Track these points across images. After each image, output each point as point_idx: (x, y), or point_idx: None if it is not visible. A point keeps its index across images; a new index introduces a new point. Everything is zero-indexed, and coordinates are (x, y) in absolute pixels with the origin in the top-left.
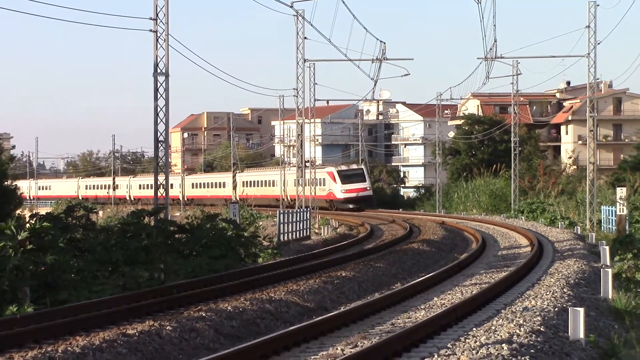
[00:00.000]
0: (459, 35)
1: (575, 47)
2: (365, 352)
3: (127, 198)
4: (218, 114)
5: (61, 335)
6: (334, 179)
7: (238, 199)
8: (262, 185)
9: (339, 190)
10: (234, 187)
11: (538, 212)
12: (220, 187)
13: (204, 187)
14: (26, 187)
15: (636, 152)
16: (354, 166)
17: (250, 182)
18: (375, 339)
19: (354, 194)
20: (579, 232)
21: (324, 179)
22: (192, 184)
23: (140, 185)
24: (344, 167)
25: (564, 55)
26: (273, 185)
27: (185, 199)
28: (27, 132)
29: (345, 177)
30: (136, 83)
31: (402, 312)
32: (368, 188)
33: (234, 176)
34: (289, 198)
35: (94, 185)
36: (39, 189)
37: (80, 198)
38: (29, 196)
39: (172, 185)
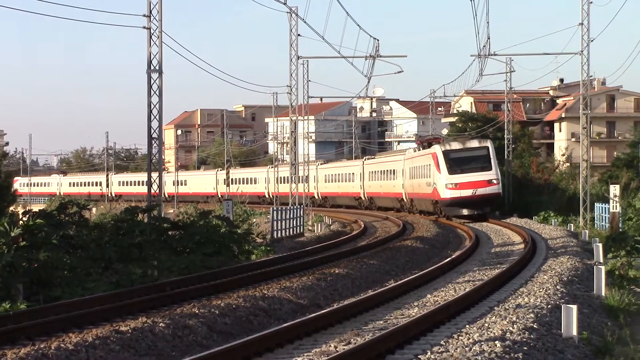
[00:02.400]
0: (453, 32)
1: (568, 45)
2: (358, 349)
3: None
4: (212, 111)
5: (54, 332)
6: (437, 165)
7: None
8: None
9: (443, 184)
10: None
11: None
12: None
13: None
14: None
15: (629, 149)
16: (473, 143)
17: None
18: (368, 336)
19: (468, 191)
20: (572, 230)
21: (428, 165)
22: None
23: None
24: (454, 145)
25: (558, 53)
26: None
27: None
28: (20, 129)
29: (456, 162)
30: (130, 80)
31: (396, 309)
32: (495, 181)
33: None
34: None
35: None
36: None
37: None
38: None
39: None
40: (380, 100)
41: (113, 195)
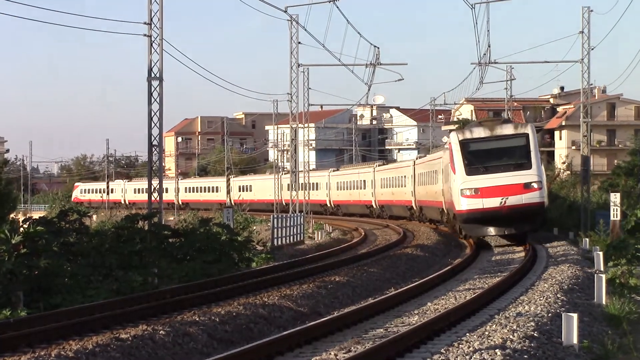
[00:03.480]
0: (453, 40)
1: (569, 53)
2: (358, 357)
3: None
4: (212, 118)
5: (54, 340)
6: (452, 162)
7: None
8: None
9: (458, 189)
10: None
11: None
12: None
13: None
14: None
15: (630, 157)
16: (506, 129)
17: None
18: (368, 344)
19: (494, 201)
20: (572, 237)
21: (440, 163)
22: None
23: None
24: (477, 132)
25: (558, 61)
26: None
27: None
28: (21, 136)
29: (478, 157)
30: (130, 87)
31: (396, 317)
32: (536, 184)
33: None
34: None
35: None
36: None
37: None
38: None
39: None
40: (381, 108)
41: (180, 203)
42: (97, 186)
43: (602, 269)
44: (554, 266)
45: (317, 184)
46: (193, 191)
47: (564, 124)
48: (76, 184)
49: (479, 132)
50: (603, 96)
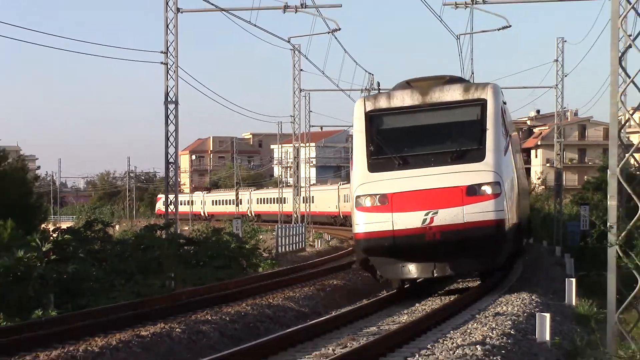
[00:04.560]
0: (441, 67)
1: (545, 79)
2: (354, 352)
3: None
4: (222, 138)
5: (82, 337)
6: (351, 152)
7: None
8: None
9: (354, 201)
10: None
11: None
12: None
13: None
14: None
15: (599, 173)
16: (446, 93)
17: None
18: (363, 340)
19: (416, 218)
20: (546, 246)
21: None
22: None
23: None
24: (398, 98)
25: (535, 87)
26: None
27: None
28: (50, 154)
29: (393, 140)
30: (149, 110)
31: (388, 316)
32: (488, 188)
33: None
34: None
35: None
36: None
37: None
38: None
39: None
40: None
41: (206, 215)
42: (185, 198)
43: (572, 273)
44: (530, 271)
45: (328, 198)
46: (217, 204)
47: (539, 143)
48: (159, 195)
49: (402, 99)
50: (575, 118)
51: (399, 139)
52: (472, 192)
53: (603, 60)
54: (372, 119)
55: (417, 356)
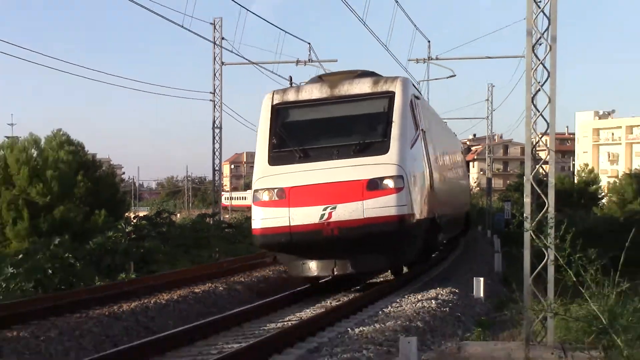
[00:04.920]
0: None
1: (479, 112)
2: (323, 315)
3: None
4: (253, 152)
5: (153, 293)
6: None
7: None
8: None
9: (254, 191)
10: None
11: None
12: None
13: None
14: None
15: (517, 179)
16: (354, 86)
17: None
18: (334, 303)
19: (314, 213)
20: (480, 230)
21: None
22: None
23: None
24: (307, 91)
25: (472, 118)
26: None
27: None
28: (132, 162)
29: (297, 132)
30: (200, 133)
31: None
32: (392, 184)
33: None
34: None
35: None
36: None
37: None
38: None
39: None
40: None
41: None
42: (241, 194)
43: (499, 249)
44: (470, 246)
45: None
46: None
47: (475, 157)
48: (222, 193)
49: (310, 92)
50: (501, 140)
51: (302, 132)
52: (373, 186)
53: (520, 99)
54: (279, 112)
55: (389, 308)
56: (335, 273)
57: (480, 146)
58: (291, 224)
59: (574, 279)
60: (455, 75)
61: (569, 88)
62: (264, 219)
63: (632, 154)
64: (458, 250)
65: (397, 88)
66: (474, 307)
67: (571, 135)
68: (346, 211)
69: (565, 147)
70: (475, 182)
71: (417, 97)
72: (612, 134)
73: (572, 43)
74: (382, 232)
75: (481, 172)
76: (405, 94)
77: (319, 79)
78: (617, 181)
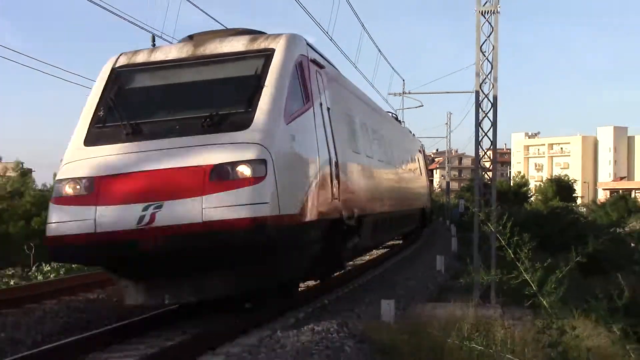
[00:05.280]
0: None
1: (440, 132)
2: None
3: None
4: None
5: None
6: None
7: None
8: None
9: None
10: None
11: None
12: None
13: None
14: None
15: (469, 182)
16: (226, 44)
17: None
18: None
19: (131, 213)
20: (441, 221)
21: None
22: None
23: None
24: (160, 52)
25: (435, 137)
26: None
27: None
28: None
29: (130, 103)
30: None
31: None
32: (248, 171)
33: None
34: None
35: None
36: None
37: None
38: None
39: None
40: None
41: None
42: None
43: (455, 234)
44: (434, 232)
45: None
46: None
47: (437, 166)
48: None
49: (167, 52)
50: (456, 154)
51: (141, 102)
52: (220, 174)
53: (471, 123)
54: (118, 76)
55: (369, 275)
56: (167, 302)
57: (441, 158)
58: (97, 230)
59: (512, 256)
60: (422, 105)
61: (507, 114)
62: (59, 222)
63: (553, 164)
64: (423, 238)
65: (279, 45)
66: (437, 278)
67: (508, 150)
68: (177, 211)
69: (503, 159)
70: (437, 185)
71: (318, 65)
72: (538, 149)
73: (510, 79)
74: (231, 243)
75: (442, 177)
76: (290, 52)
77: (189, 38)
78: (542, 184)
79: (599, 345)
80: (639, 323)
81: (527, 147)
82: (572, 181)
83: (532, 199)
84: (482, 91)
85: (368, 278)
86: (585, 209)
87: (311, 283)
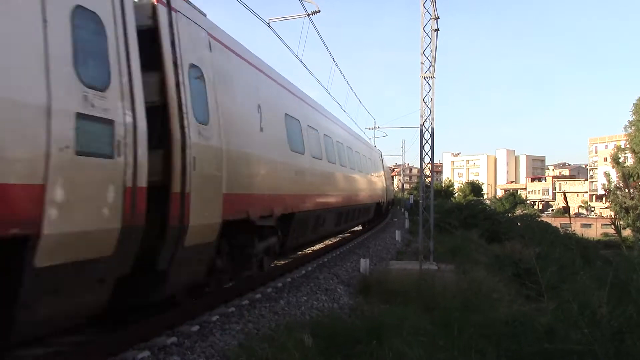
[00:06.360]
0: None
1: (398, 152)
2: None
3: None
4: None
5: None
6: None
7: None
8: None
9: None
10: None
11: None
12: None
13: None
14: None
15: (416, 184)
16: None
17: None
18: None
19: None
20: (399, 209)
21: None
22: None
23: None
24: None
25: (394, 155)
26: None
27: None
28: None
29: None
30: None
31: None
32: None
33: None
34: None
35: None
36: None
37: None
38: None
39: None
40: None
41: None
42: None
43: (407, 218)
44: (395, 216)
45: None
46: None
47: (396, 174)
48: None
49: None
50: (409, 166)
51: None
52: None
53: (418, 146)
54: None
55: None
56: None
57: (399, 169)
58: None
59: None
60: (387, 136)
61: (440, 139)
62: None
63: (469, 173)
64: (388, 220)
65: None
66: (396, 245)
67: (440, 164)
68: None
69: (438, 170)
70: (397, 186)
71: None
72: (460, 164)
73: (442, 117)
74: None
75: (399, 181)
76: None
77: None
78: (462, 185)
79: (487, 279)
80: (518, 269)
81: (452, 162)
82: (481, 184)
83: (455, 195)
84: (424, 126)
85: (354, 244)
86: (489, 202)
87: (316, 247)
